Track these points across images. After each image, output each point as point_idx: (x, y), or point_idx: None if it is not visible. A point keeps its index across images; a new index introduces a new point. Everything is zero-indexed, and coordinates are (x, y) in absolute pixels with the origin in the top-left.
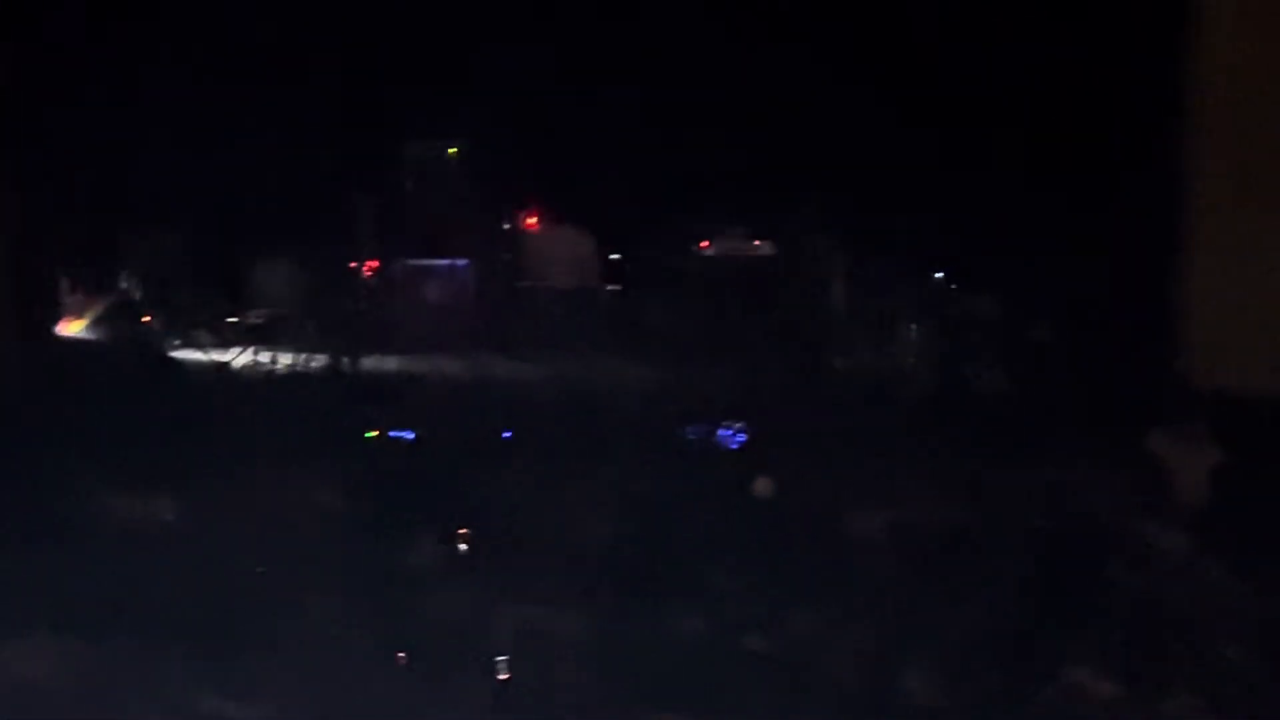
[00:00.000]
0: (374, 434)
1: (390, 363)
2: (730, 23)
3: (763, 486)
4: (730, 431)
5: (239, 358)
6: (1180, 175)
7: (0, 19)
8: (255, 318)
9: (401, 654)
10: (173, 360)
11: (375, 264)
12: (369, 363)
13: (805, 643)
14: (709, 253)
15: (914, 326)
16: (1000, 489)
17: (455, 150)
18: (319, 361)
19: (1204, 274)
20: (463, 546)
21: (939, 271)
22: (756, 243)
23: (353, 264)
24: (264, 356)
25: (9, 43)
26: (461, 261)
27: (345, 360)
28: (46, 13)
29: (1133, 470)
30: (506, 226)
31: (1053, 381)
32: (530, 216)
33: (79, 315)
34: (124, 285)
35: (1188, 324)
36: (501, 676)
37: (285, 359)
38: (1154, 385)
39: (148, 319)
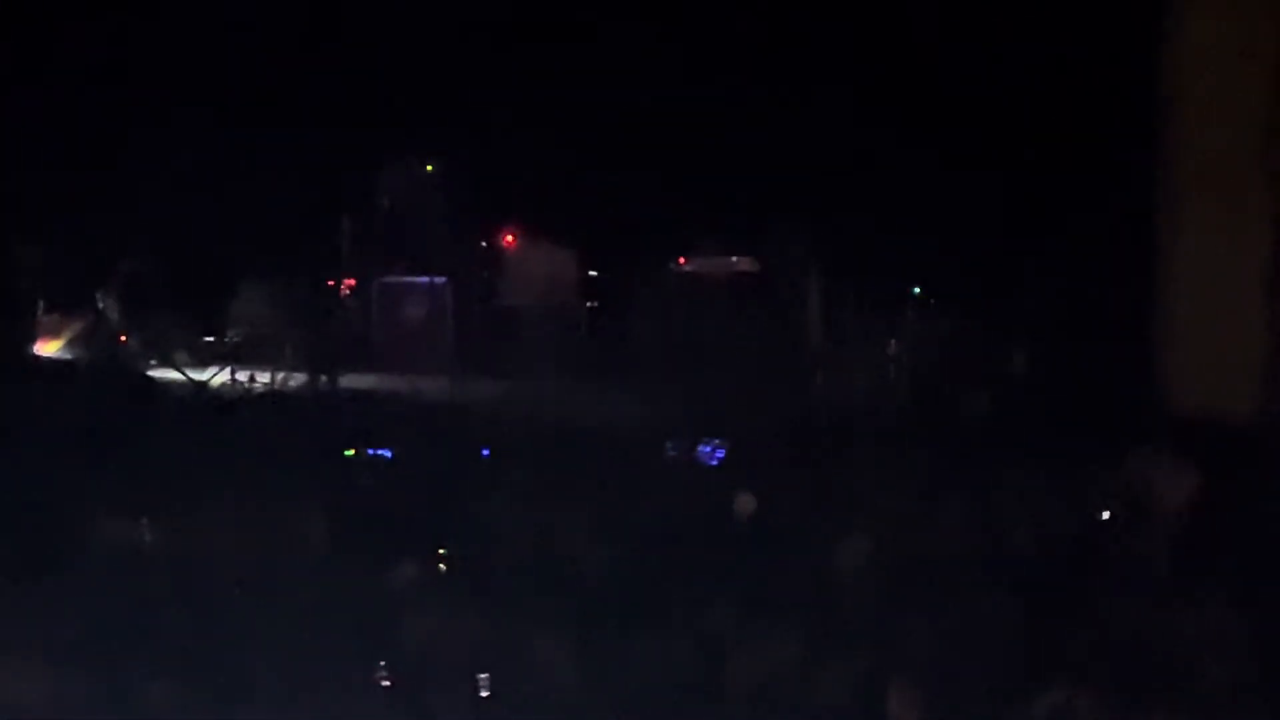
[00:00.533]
0: (352, 452)
1: (368, 381)
2: (709, 42)
3: (743, 504)
4: (709, 448)
5: (216, 377)
6: (1156, 198)
7: None
8: (233, 337)
9: (382, 667)
10: (150, 380)
11: (353, 282)
12: (347, 381)
13: (787, 661)
14: (687, 269)
15: (893, 342)
16: (980, 507)
17: (432, 168)
18: (297, 380)
19: (1181, 296)
20: (441, 566)
21: (917, 288)
22: (734, 259)
23: (330, 282)
24: (241, 376)
25: None
26: (439, 279)
27: (323, 379)
28: (22, 38)
29: (1111, 490)
30: (484, 244)
31: (1031, 399)
32: (508, 234)
33: (56, 336)
34: (101, 305)
35: (1165, 346)
36: (483, 694)
37: (263, 378)
38: (1132, 406)
39: (124, 339)
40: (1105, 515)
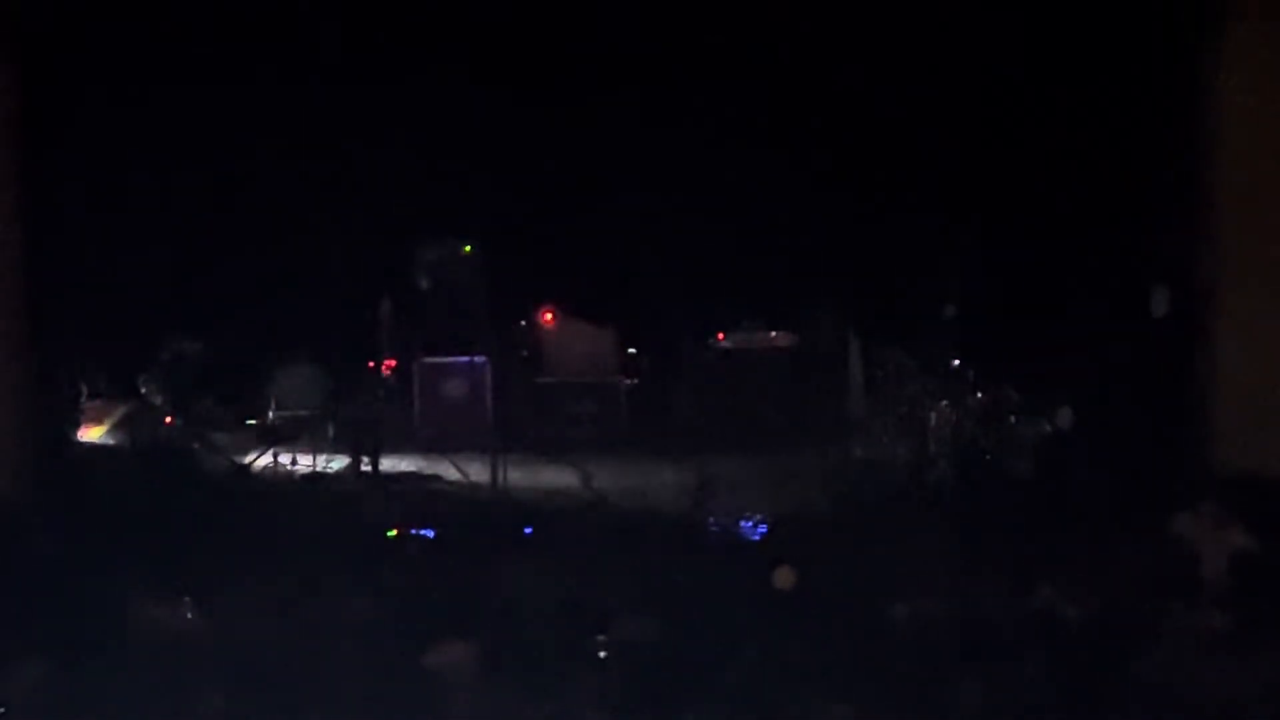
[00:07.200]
0: (394, 532)
1: (409, 460)
2: (742, 114)
3: (783, 577)
4: (751, 523)
5: (259, 459)
6: (1202, 257)
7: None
8: (274, 419)
9: None
10: (194, 464)
11: (393, 362)
12: (388, 461)
13: None
14: (726, 345)
15: (933, 415)
16: (1025, 577)
17: (470, 248)
18: (339, 461)
19: (1227, 356)
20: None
21: (957, 359)
22: (773, 334)
23: (370, 363)
24: (284, 458)
25: (24, 148)
26: (479, 358)
27: (364, 459)
28: (58, 119)
29: (1158, 556)
30: (523, 323)
31: (1075, 468)
32: (546, 312)
33: (99, 421)
34: (143, 390)
35: (1211, 407)
36: None
37: (305, 460)
38: (1177, 469)
39: (169, 421)
40: (1156, 581)
